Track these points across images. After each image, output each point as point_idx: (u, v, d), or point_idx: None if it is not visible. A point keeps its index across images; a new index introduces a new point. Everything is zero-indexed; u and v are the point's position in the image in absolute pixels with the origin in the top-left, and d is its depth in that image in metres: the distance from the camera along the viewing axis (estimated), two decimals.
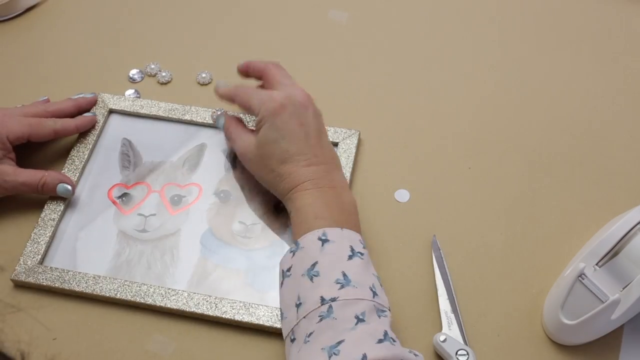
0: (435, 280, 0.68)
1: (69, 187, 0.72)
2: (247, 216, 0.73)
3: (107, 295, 0.67)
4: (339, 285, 0.59)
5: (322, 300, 0.58)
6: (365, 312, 0.58)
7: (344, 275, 0.60)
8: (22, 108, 0.76)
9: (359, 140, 0.78)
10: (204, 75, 0.85)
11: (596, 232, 0.71)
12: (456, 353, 0.63)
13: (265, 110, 0.67)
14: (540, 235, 0.72)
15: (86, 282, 0.68)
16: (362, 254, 0.62)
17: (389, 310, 0.61)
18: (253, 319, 0.65)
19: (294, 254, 0.63)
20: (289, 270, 0.63)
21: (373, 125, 0.81)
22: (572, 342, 0.65)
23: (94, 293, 0.67)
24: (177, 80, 0.85)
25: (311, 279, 0.60)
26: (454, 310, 0.66)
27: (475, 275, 0.70)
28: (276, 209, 0.73)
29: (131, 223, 0.73)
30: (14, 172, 0.71)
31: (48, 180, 0.71)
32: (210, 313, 0.66)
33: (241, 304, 0.66)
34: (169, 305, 0.66)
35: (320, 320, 0.58)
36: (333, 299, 0.58)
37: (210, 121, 0.79)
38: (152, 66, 0.85)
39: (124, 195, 0.74)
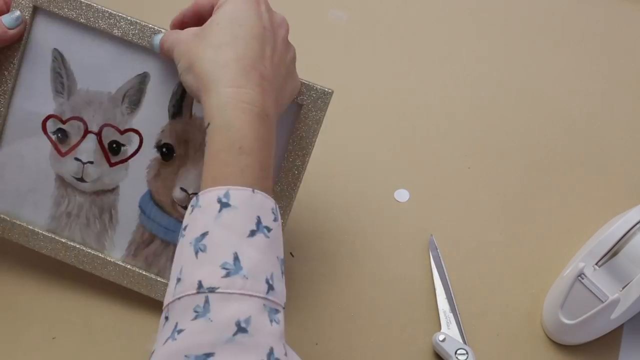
0: (433, 280, 0.69)
1: (17, 14, 0.63)
2: (190, 182, 0.66)
3: (46, 254, 0.67)
4: (224, 272, 0.47)
5: (200, 286, 0.46)
6: (252, 317, 0.45)
7: (236, 258, 0.47)
8: None
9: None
10: None
11: (596, 232, 0.71)
12: (455, 352, 0.63)
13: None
14: (539, 235, 0.72)
15: (26, 237, 0.67)
16: (269, 229, 0.49)
17: (284, 308, 0.49)
18: None
19: (192, 210, 0.50)
20: (184, 229, 0.50)
21: (371, 125, 0.80)
22: (571, 342, 0.65)
23: (34, 249, 0.67)
24: None
25: (196, 253, 0.48)
26: (453, 310, 0.66)
27: (475, 275, 0.70)
28: None
29: (69, 168, 0.68)
30: None
31: None
32: (144, 293, 0.66)
33: None
34: (104, 276, 0.66)
35: (195, 317, 0.46)
36: (212, 289, 0.46)
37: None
38: None
39: (59, 131, 0.67)
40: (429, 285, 0.69)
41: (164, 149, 0.66)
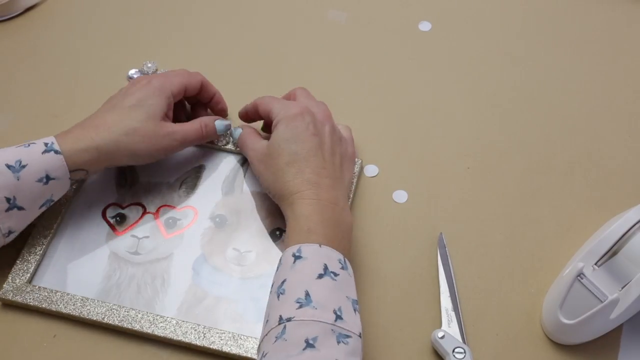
0: (438, 278, 0.68)
1: (226, 122, 0.76)
2: (241, 243, 0.71)
3: (95, 319, 0.66)
4: (297, 305, 0.57)
5: (280, 319, 0.57)
6: (318, 336, 0.55)
7: (307, 294, 0.58)
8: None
9: (361, 169, 0.76)
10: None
11: (595, 232, 0.70)
12: (453, 351, 0.63)
13: (283, 114, 0.68)
14: (539, 234, 0.72)
15: (74, 305, 0.66)
16: (335, 274, 0.60)
17: (359, 336, 0.57)
18: (241, 351, 0.64)
19: (277, 269, 0.62)
20: (272, 286, 0.62)
21: (371, 125, 0.81)
22: (571, 342, 0.65)
23: (81, 316, 0.66)
24: None
25: (278, 297, 0.59)
26: (455, 308, 0.66)
27: (474, 275, 0.70)
28: (272, 236, 0.72)
29: (124, 244, 0.71)
30: (180, 128, 0.72)
31: (207, 122, 0.74)
32: (197, 343, 0.64)
33: (230, 335, 0.65)
34: (156, 332, 0.65)
35: (275, 340, 0.56)
36: (289, 319, 0.56)
37: (211, 142, 0.77)
38: (149, 65, 0.85)
39: (118, 215, 0.73)
40: (430, 284, 0.69)
41: (217, 219, 0.73)
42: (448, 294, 0.67)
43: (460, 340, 0.64)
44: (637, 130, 0.80)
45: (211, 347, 0.64)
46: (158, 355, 0.66)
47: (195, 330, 0.65)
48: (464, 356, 0.63)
